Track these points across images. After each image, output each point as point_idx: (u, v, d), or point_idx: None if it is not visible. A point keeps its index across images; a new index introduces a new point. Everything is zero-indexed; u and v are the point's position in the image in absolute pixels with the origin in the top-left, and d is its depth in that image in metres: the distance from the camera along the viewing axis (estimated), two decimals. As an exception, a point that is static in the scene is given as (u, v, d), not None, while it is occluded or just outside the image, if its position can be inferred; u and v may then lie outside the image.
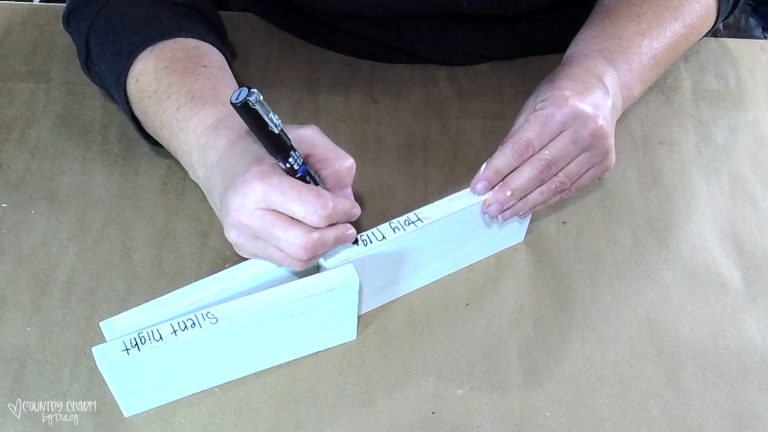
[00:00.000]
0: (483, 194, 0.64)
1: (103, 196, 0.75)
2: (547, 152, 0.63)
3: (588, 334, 0.68)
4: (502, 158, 0.63)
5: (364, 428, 0.62)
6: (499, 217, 0.65)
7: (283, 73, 0.86)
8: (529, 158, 0.63)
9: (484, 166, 0.64)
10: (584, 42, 0.72)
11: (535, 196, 0.65)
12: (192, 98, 0.65)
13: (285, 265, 0.59)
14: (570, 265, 0.73)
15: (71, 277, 0.69)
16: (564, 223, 0.75)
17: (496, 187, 0.64)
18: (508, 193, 0.64)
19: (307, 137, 0.60)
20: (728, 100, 0.87)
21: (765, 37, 1.36)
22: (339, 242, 0.60)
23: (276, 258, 0.59)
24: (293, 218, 0.57)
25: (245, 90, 0.53)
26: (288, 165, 0.57)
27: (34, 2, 1.12)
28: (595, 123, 0.64)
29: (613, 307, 0.70)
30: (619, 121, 0.84)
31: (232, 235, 0.59)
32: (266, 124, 0.55)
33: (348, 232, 0.60)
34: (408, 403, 0.64)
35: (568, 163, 0.65)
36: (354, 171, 0.62)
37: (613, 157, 0.67)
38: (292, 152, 0.57)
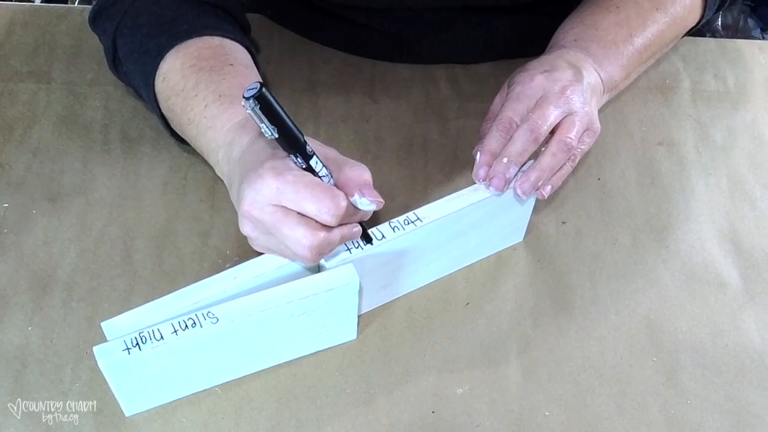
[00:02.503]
0: (486, 179, 0.65)
1: (104, 196, 0.75)
2: (530, 116, 0.66)
3: (587, 334, 0.69)
4: (491, 141, 0.65)
5: (364, 427, 0.62)
6: (518, 189, 0.65)
7: (283, 73, 0.86)
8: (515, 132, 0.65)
9: (478, 155, 0.65)
10: (562, 33, 0.75)
11: (546, 159, 0.65)
12: (220, 96, 0.65)
13: (296, 261, 0.60)
14: (569, 265, 0.73)
15: (72, 276, 0.69)
16: (563, 223, 0.76)
17: (494, 163, 0.65)
18: (505, 160, 0.64)
19: (324, 152, 0.61)
20: (727, 100, 0.87)
21: (764, 38, 1.36)
22: (345, 240, 0.60)
23: (286, 254, 0.59)
24: (303, 215, 0.57)
25: (256, 84, 0.53)
26: (301, 161, 0.57)
27: (36, 3, 1.12)
28: (563, 82, 0.66)
29: (612, 306, 0.70)
30: (617, 122, 0.84)
31: (246, 228, 0.59)
32: (279, 114, 0.54)
33: (354, 230, 0.60)
34: (408, 403, 0.64)
35: (558, 124, 0.66)
36: (369, 181, 0.60)
37: (598, 124, 0.69)
38: (306, 146, 0.57)
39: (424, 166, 0.79)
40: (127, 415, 0.62)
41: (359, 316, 0.67)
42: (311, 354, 0.66)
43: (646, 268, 0.73)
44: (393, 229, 0.63)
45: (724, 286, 0.72)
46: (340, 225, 0.59)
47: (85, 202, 0.74)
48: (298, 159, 0.57)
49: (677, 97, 0.87)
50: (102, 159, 0.78)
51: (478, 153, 0.66)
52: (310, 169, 0.57)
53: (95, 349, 0.56)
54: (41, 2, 1.17)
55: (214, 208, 0.75)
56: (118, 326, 0.58)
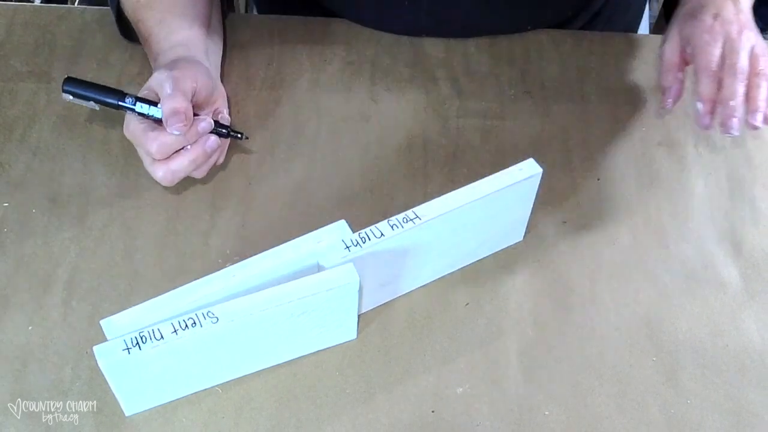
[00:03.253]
0: (710, 126, 0.72)
1: (104, 196, 0.75)
2: (727, 62, 0.72)
3: (587, 333, 0.69)
4: (706, 89, 0.72)
5: (364, 427, 0.62)
6: (757, 120, 0.71)
7: (284, 73, 0.86)
8: (721, 77, 0.72)
9: (699, 105, 0.72)
10: None
11: (757, 92, 0.71)
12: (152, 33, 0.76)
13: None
14: (569, 265, 0.73)
15: (72, 276, 0.69)
16: (563, 222, 0.76)
17: (718, 111, 0.72)
18: (732, 102, 0.71)
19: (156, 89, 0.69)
20: (727, 100, 0.87)
21: (764, 38, 1.36)
22: (199, 158, 0.69)
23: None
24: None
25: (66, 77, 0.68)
26: (132, 114, 0.68)
27: (36, 3, 1.13)
28: (736, 23, 0.74)
29: (612, 306, 0.70)
30: (617, 122, 0.84)
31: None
32: (90, 94, 0.69)
33: (203, 147, 0.68)
34: (408, 402, 0.64)
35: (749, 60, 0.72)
36: (173, 109, 0.67)
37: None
38: (126, 100, 0.68)
39: (424, 165, 0.79)
40: (127, 414, 0.62)
41: (359, 316, 0.67)
42: (311, 354, 0.66)
43: (646, 268, 0.73)
44: (392, 227, 0.63)
45: (724, 286, 0.72)
46: (184, 150, 0.68)
47: (85, 202, 0.74)
48: (129, 113, 0.69)
49: (677, 97, 0.87)
50: (102, 158, 0.78)
51: (699, 104, 0.72)
52: (141, 114, 0.68)
53: (95, 348, 0.56)
54: (41, 2, 1.17)
55: (214, 208, 0.75)
56: (117, 324, 0.58)
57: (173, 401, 0.63)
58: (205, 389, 0.64)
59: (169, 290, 0.60)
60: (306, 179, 0.77)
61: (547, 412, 0.64)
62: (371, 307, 0.69)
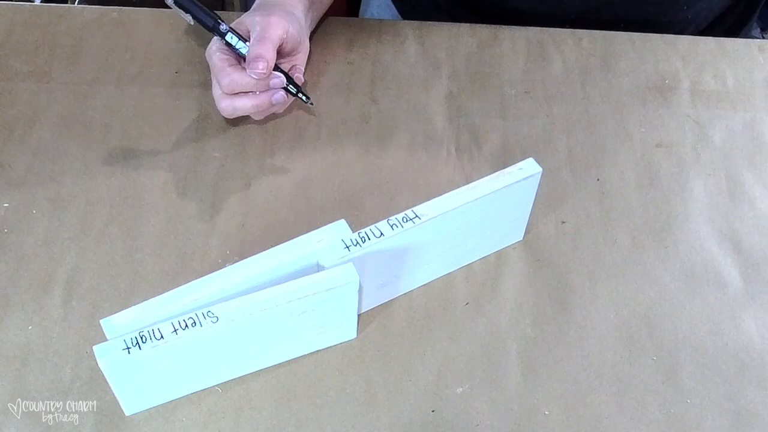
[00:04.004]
0: None
1: (104, 196, 0.75)
2: None
3: (587, 333, 0.69)
4: None
5: (364, 426, 0.62)
6: None
7: (284, 74, 0.86)
8: None
9: None
10: None
11: None
12: None
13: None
14: (569, 265, 0.73)
15: (73, 276, 0.69)
16: (563, 222, 0.76)
17: None
18: None
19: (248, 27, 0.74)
20: (726, 100, 0.87)
21: (764, 38, 1.36)
22: (261, 106, 0.74)
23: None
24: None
25: None
26: (219, 40, 0.73)
27: (36, 2, 1.12)
28: None
29: (611, 306, 0.70)
30: (616, 123, 0.84)
31: None
32: (191, 7, 0.72)
33: (273, 97, 0.73)
34: (408, 402, 0.64)
35: None
36: (257, 54, 0.72)
37: None
38: (220, 26, 0.73)
39: (424, 165, 0.79)
40: (127, 414, 0.62)
41: (359, 316, 0.67)
42: (311, 353, 0.66)
43: (646, 268, 0.73)
44: (391, 226, 0.63)
45: (723, 286, 0.72)
46: (249, 94, 0.73)
47: (86, 202, 0.74)
48: (216, 39, 0.73)
49: (676, 97, 0.87)
50: (102, 159, 0.78)
51: None
52: (228, 44, 0.73)
53: (95, 348, 0.56)
54: (41, 2, 1.17)
55: (214, 208, 0.75)
56: (117, 324, 0.58)
57: (173, 401, 0.63)
58: (205, 389, 0.64)
59: (169, 290, 0.60)
60: (306, 179, 0.77)
61: (547, 412, 0.64)
62: (371, 307, 0.69)
